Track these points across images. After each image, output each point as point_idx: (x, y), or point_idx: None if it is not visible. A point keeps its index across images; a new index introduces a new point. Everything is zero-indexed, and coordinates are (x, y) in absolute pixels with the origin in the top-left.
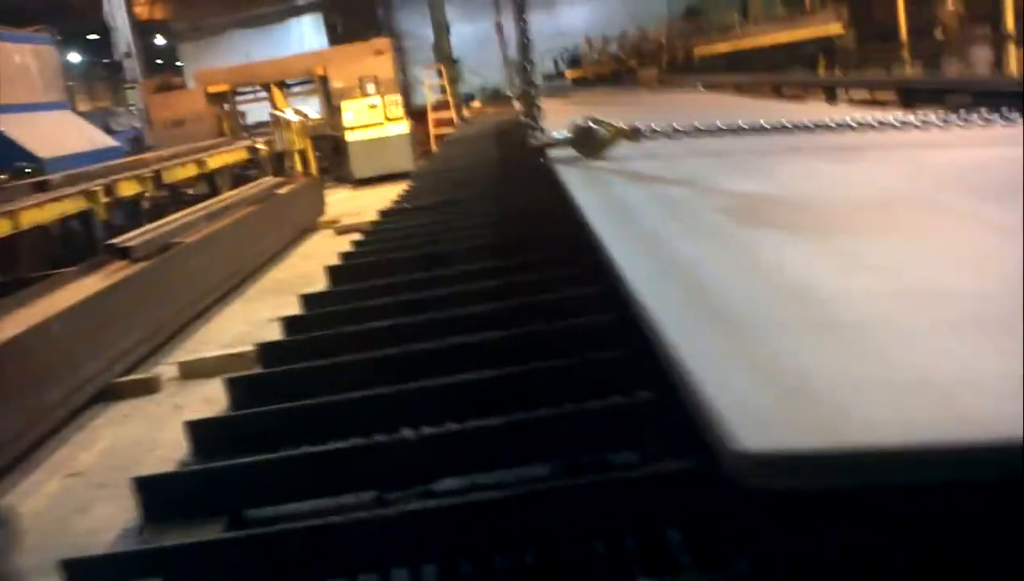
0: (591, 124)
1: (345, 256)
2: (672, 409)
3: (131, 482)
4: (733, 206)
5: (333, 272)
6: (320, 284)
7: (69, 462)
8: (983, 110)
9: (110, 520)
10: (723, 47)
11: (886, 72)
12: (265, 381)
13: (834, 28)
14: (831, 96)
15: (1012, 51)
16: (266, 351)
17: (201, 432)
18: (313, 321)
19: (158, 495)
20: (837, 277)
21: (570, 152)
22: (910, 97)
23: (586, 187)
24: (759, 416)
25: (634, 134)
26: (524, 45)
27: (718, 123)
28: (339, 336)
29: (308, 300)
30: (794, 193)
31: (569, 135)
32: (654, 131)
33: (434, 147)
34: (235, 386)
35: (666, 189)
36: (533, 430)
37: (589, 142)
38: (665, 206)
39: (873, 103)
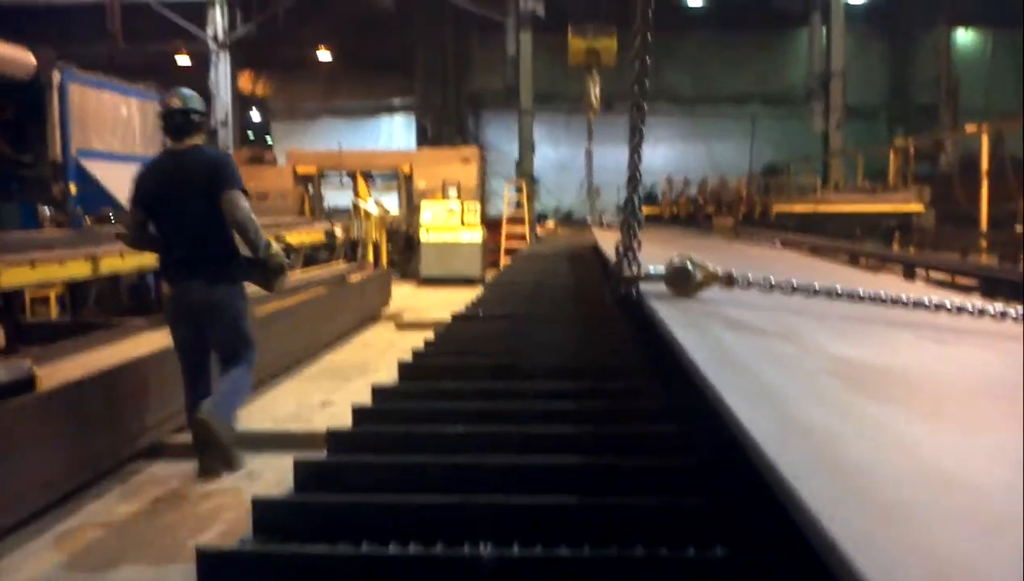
0: (688, 264)
1: (417, 354)
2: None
3: (195, 552)
4: (845, 372)
5: (404, 368)
6: (375, 374)
7: (104, 513)
8: None
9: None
10: (801, 208)
11: (962, 257)
12: (332, 469)
13: (915, 206)
14: (910, 273)
15: None
16: (335, 439)
17: (264, 511)
18: (382, 415)
19: (219, 571)
20: (977, 464)
21: (660, 287)
22: (992, 286)
23: (685, 327)
24: None
25: (728, 281)
26: (634, 178)
27: (815, 284)
28: (409, 435)
29: (379, 393)
30: (903, 367)
31: (664, 271)
32: (749, 281)
33: (504, 259)
34: (302, 469)
35: (769, 342)
36: (604, 570)
37: (683, 281)
38: (774, 361)
39: (952, 286)
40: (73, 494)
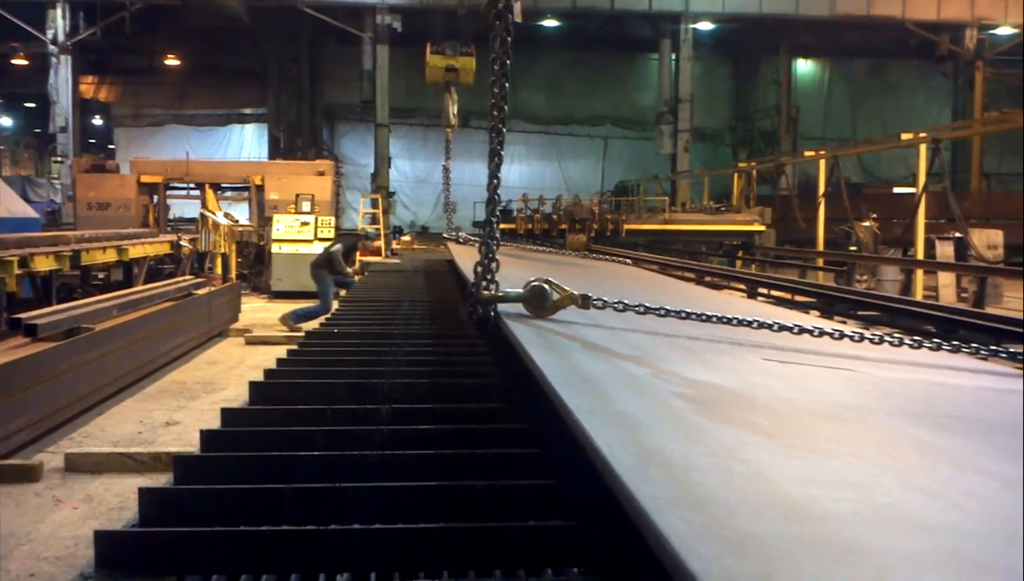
0: (545, 286)
1: (269, 373)
2: None
3: None
4: (696, 395)
5: (255, 388)
6: (223, 391)
7: None
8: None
9: None
10: (651, 226)
11: (801, 273)
12: (178, 498)
13: (757, 226)
14: (752, 290)
15: (919, 276)
16: (182, 464)
17: (107, 543)
18: (232, 438)
19: None
20: (824, 492)
21: (517, 307)
22: (828, 304)
23: (543, 349)
24: None
25: (584, 302)
26: (493, 200)
27: (665, 305)
28: (259, 459)
29: (228, 415)
30: (748, 390)
31: (522, 293)
32: (604, 302)
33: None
34: (147, 498)
35: (624, 365)
36: None
37: (540, 302)
38: (629, 385)
39: (791, 302)
40: None
